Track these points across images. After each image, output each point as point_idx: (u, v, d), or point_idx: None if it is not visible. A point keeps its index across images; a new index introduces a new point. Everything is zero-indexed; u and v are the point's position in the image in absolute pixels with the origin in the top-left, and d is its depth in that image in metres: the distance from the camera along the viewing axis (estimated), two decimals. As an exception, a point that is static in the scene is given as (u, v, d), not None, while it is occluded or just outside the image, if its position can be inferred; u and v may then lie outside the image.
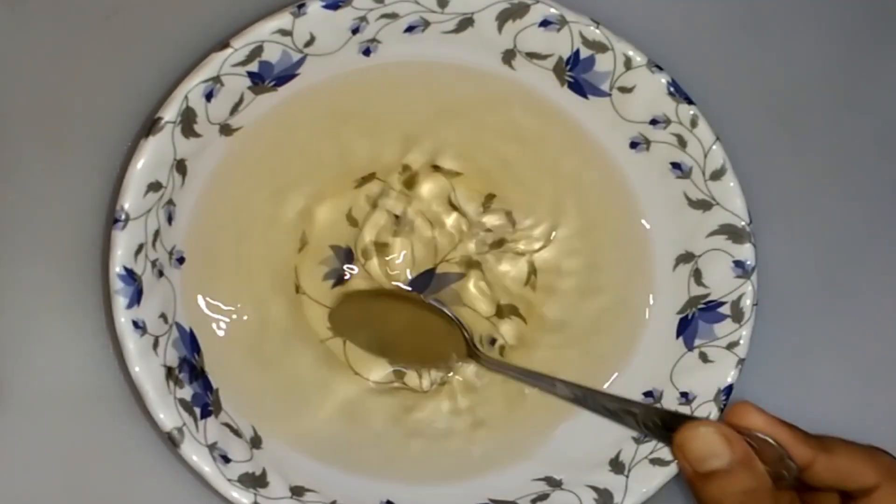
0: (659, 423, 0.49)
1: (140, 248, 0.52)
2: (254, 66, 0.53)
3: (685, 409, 0.55)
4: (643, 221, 0.57)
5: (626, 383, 0.57)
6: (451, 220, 0.57)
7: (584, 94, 0.56)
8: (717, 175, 0.55)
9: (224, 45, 0.52)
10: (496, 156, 0.57)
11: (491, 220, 0.57)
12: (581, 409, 0.53)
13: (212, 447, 0.52)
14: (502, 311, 0.57)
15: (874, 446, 0.50)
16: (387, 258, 0.57)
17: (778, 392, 0.57)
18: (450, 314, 0.55)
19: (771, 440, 0.47)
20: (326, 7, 0.52)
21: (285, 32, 0.52)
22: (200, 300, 0.54)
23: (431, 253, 0.57)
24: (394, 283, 0.57)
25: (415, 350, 0.56)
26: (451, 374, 0.56)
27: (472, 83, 0.56)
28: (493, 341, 0.57)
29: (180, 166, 0.53)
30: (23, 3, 0.54)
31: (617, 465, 0.55)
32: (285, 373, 0.56)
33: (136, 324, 0.51)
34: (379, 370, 0.57)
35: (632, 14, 0.57)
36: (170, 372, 0.52)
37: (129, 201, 0.51)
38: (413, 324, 0.56)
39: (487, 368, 0.55)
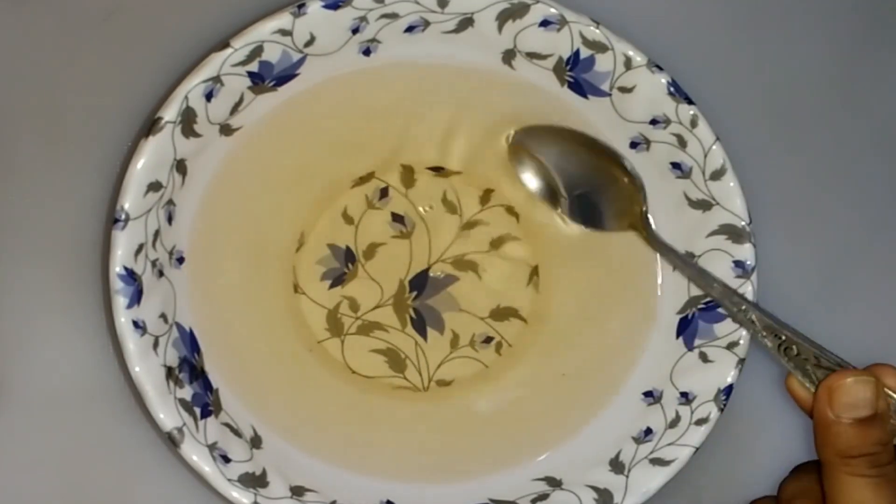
0: (803, 355, 0.52)
1: (140, 247, 0.52)
2: (254, 66, 0.53)
3: (685, 410, 0.55)
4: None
5: (625, 382, 0.57)
6: (449, 219, 0.57)
7: (584, 94, 0.56)
8: (717, 175, 0.55)
9: (224, 44, 0.52)
10: (496, 156, 0.57)
11: (490, 219, 0.57)
12: (582, 411, 0.53)
13: (212, 447, 0.52)
14: (502, 312, 0.57)
15: None
16: (385, 258, 0.57)
17: (778, 392, 0.57)
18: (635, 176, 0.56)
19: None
20: (326, 7, 0.52)
21: (285, 32, 0.52)
22: (200, 300, 0.54)
23: (429, 253, 0.57)
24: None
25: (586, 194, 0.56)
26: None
27: (472, 83, 0.56)
28: (488, 339, 0.57)
29: (180, 166, 0.53)
30: (23, 3, 0.54)
31: (617, 465, 0.55)
32: (285, 373, 0.56)
33: (136, 324, 0.51)
34: (379, 369, 0.57)
35: (632, 14, 0.57)
36: (170, 372, 0.52)
37: (130, 201, 0.51)
38: (596, 169, 0.56)
39: (650, 245, 0.55)
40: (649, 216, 0.56)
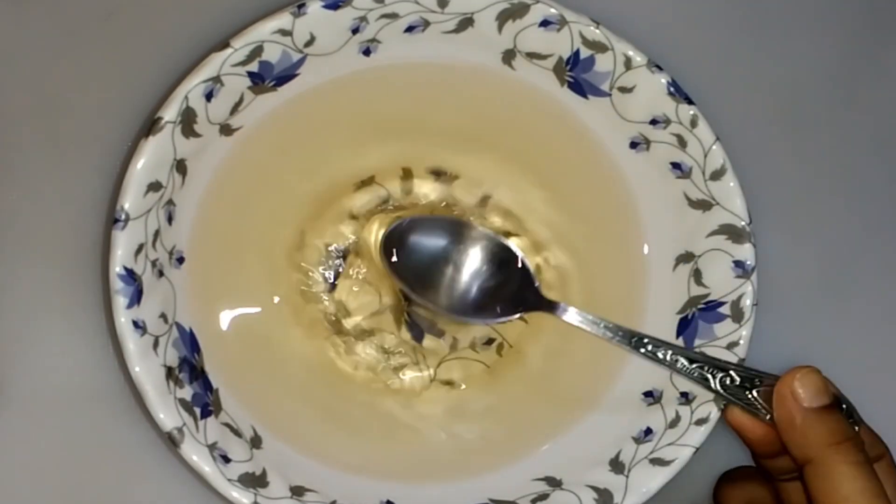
0: (739, 382, 0.51)
1: (140, 248, 0.52)
2: (254, 66, 0.53)
3: (685, 410, 0.55)
4: (643, 221, 0.57)
5: (626, 383, 0.57)
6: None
7: (584, 94, 0.56)
8: (717, 175, 0.55)
9: (224, 44, 0.52)
10: (495, 156, 0.57)
11: (489, 220, 0.57)
12: (582, 411, 0.53)
13: (212, 447, 0.52)
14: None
15: None
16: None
17: (778, 392, 0.57)
18: (519, 256, 0.55)
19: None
20: (326, 7, 0.52)
21: (285, 32, 0.52)
22: (200, 300, 0.54)
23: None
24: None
25: (466, 292, 0.55)
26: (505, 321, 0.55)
27: (471, 83, 0.56)
28: (489, 341, 0.57)
29: (180, 166, 0.53)
30: (23, 3, 0.54)
31: (617, 465, 0.55)
32: (285, 373, 0.56)
33: (136, 324, 0.51)
34: (379, 369, 0.57)
35: (632, 14, 0.57)
36: (170, 372, 0.52)
37: (129, 201, 0.51)
38: (472, 263, 0.55)
39: (562, 320, 0.53)
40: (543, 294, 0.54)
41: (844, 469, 0.48)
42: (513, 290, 0.55)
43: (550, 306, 0.53)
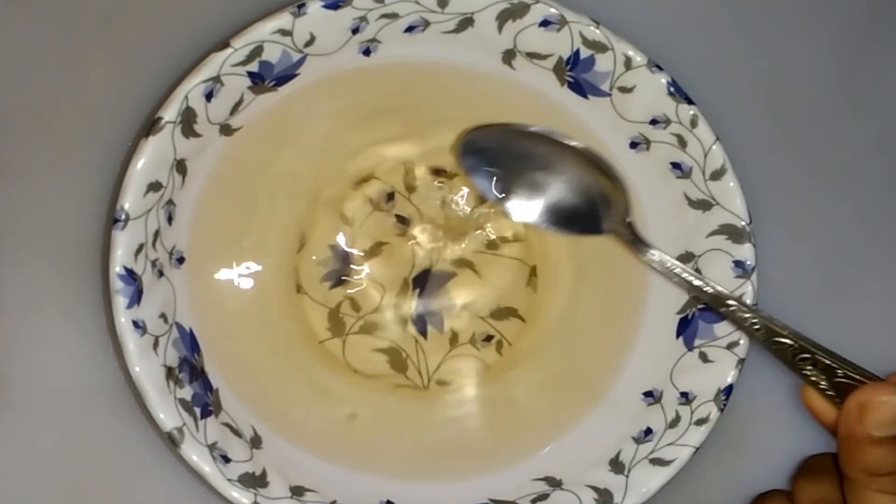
0: (824, 367, 0.50)
1: (140, 247, 0.52)
2: (254, 66, 0.53)
3: (685, 410, 0.55)
4: (643, 221, 0.57)
5: (626, 383, 0.57)
6: (449, 220, 0.57)
7: (584, 94, 0.56)
8: (717, 175, 0.55)
9: (224, 44, 0.52)
10: (496, 156, 0.57)
11: (489, 220, 0.57)
12: (582, 412, 0.53)
13: (212, 447, 0.52)
14: (501, 312, 0.57)
15: None
16: (385, 258, 0.57)
17: (778, 392, 0.57)
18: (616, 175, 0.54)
19: None
20: (326, 7, 0.52)
21: (285, 32, 0.52)
22: (200, 300, 0.54)
23: (429, 253, 0.57)
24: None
25: (556, 202, 0.55)
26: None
27: (471, 84, 0.56)
28: (489, 338, 0.57)
29: (180, 166, 0.53)
30: (23, 3, 0.54)
31: (617, 465, 0.55)
32: (285, 373, 0.56)
33: (136, 324, 0.51)
34: (379, 368, 0.57)
35: (632, 14, 0.57)
36: (170, 372, 0.52)
37: (129, 201, 0.51)
38: (564, 175, 0.55)
39: (634, 252, 0.54)
40: (632, 223, 0.54)
41: (875, 497, 0.48)
42: (602, 210, 0.55)
43: (638, 242, 0.54)
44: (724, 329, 0.55)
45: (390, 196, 0.57)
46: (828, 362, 0.50)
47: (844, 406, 0.49)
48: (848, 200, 0.59)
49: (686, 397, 0.55)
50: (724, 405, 0.55)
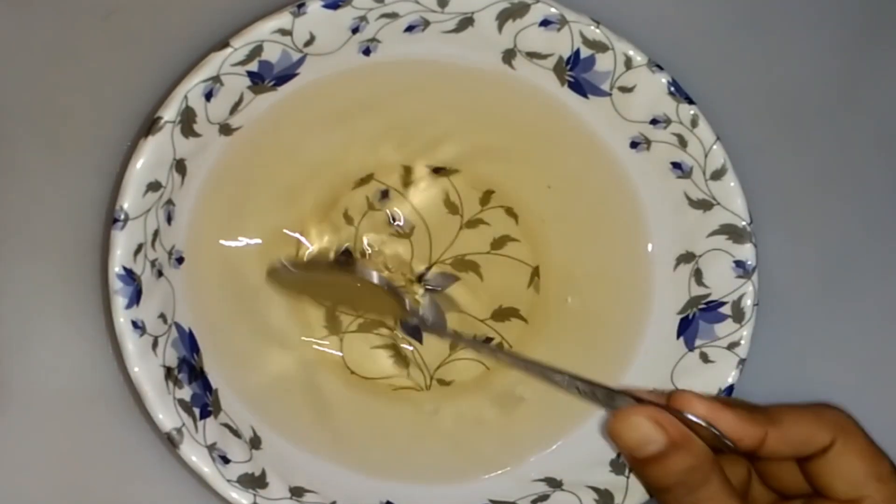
0: (595, 396, 0.49)
1: (139, 248, 0.52)
2: (253, 66, 0.53)
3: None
4: (643, 221, 0.57)
5: (627, 383, 0.56)
6: (449, 220, 0.57)
7: (584, 94, 0.55)
8: (717, 175, 0.55)
9: (224, 44, 0.52)
10: (496, 156, 0.57)
11: (490, 220, 0.57)
12: (584, 413, 0.53)
13: (211, 448, 0.52)
14: (502, 313, 0.57)
15: (820, 403, 0.50)
16: (385, 259, 0.57)
17: (778, 392, 0.56)
18: (381, 284, 0.55)
19: (702, 422, 0.47)
20: (326, 7, 0.52)
21: (285, 32, 0.52)
22: (199, 300, 0.54)
23: (429, 253, 0.57)
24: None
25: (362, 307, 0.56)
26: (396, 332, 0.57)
27: (472, 83, 0.56)
28: (488, 340, 0.57)
29: (180, 166, 0.53)
30: (23, 3, 0.54)
31: (617, 466, 0.55)
32: (285, 373, 0.56)
33: (135, 324, 0.51)
34: (379, 369, 0.57)
35: (632, 14, 0.57)
36: (169, 372, 0.52)
37: (129, 201, 0.51)
38: (355, 289, 0.56)
39: (429, 333, 0.56)
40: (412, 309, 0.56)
41: None
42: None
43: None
44: (724, 329, 0.55)
45: (389, 196, 0.57)
46: (616, 399, 0.49)
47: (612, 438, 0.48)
48: (848, 200, 0.59)
49: (686, 398, 0.55)
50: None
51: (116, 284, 0.51)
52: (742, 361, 0.55)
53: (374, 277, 0.55)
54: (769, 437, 0.48)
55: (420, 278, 0.57)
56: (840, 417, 0.49)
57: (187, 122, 0.52)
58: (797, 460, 0.50)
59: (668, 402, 0.48)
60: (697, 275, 0.56)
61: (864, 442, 0.49)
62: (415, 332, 0.57)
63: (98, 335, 0.54)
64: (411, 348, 0.57)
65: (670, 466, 0.47)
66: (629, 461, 0.49)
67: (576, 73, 0.55)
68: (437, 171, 0.57)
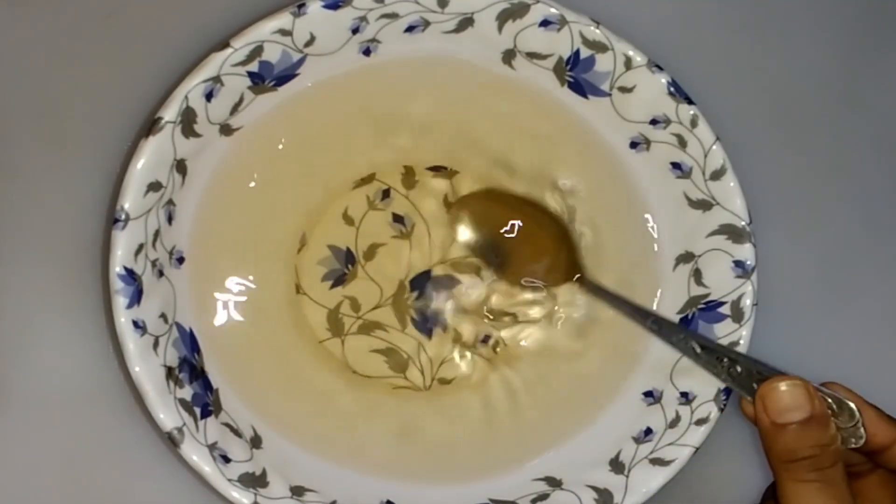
0: (744, 373, 0.51)
1: (140, 248, 0.52)
2: (254, 66, 0.53)
3: (685, 410, 0.55)
4: (643, 221, 0.57)
5: (626, 383, 0.57)
6: (449, 220, 0.57)
7: (584, 94, 0.55)
8: (717, 175, 0.55)
9: (224, 44, 0.52)
10: (496, 156, 0.57)
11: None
12: (583, 413, 0.53)
13: (212, 447, 0.52)
14: (502, 313, 0.57)
15: None
16: (386, 258, 0.57)
17: (778, 392, 0.56)
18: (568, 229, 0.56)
19: (850, 403, 0.50)
20: (326, 7, 0.52)
21: (285, 32, 0.52)
22: (200, 300, 0.54)
23: (430, 254, 0.57)
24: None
25: (522, 257, 0.57)
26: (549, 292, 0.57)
27: (472, 83, 0.56)
28: (486, 339, 0.57)
29: (180, 166, 0.53)
30: (23, 3, 0.54)
31: (617, 465, 0.55)
32: (285, 373, 0.56)
33: (136, 324, 0.51)
34: (379, 369, 0.57)
35: (632, 14, 0.57)
36: (170, 372, 0.52)
37: (130, 201, 0.51)
38: (527, 231, 0.57)
39: (587, 293, 0.56)
40: (584, 267, 0.56)
41: (794, 486, 0.49)
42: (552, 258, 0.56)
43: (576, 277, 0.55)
44: (724, 329, 0.55)
45: (390, 196, 0.57)
46: (751, 366, 0.51)
47: (755, 402, 0.50)
48: (848, 200, 0.59)
49: (686, 397, 0.55)
50: (724, 405, 0.55)
51: (117, 284, 0.51)
52: (742, 361, 0.55)
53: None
54: None
55: (417, 280, 0.57)
56: None
57: (188, 122, 0.52)
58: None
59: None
60: (697, 275, 0.56)
61: None
62: (424, 328, 0.57)
63: (99, 335, 0.54)
64: (412, 346, 0.57)
65: (808, 437, 0.49)
66: (764, 426, 0.50)
67: (576, 74, 0.55)
68: (438, 170, 0.57)
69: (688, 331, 0.53)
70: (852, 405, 0.50)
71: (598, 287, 0.56)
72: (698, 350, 0.52)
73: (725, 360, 0.52)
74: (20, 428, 0.53)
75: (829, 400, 0.50)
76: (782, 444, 0.49)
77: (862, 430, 0.50)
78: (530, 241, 0.57)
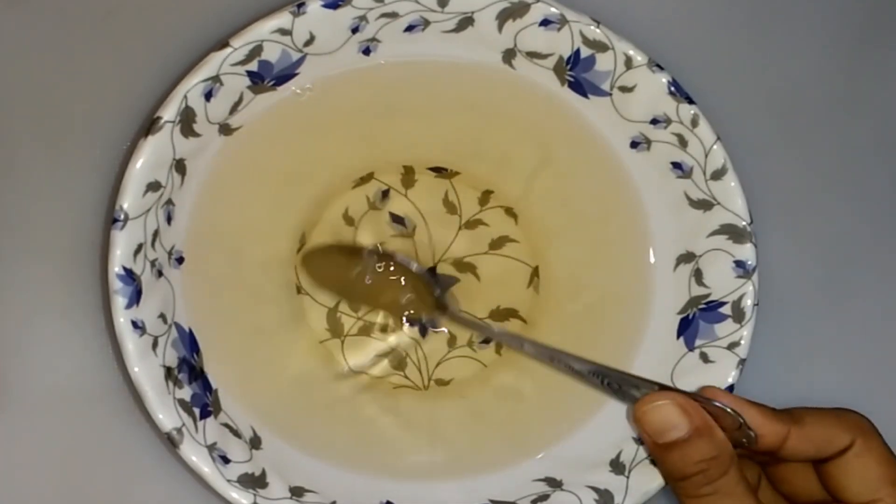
0: (622, 388, 0.51)
1: (139, 247, 0.52)
2: (253, 66, 0.53)
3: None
4: (644, 221, 0.57)
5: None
6: (449, 220, 0.57)
7: (584, 94, 0.55)
8: (717, 175, 0.55)
9: (223, 44, 0.52)
10: (495, 156, 0.57)
11: (489, 220, 0.57)
12: (583, 413, 0.53)
13: (211, 448, 0.52)
14: (502, 313, 0.57)
15: (842, 408, 0.50)
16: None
17: (778, 392, 0.56)
18: (412, 268, 0.56)
19: (728, 409, 0.48)
20: (326, 6, 0.52)
21: (285, 32, 0.52)
22: (199, 300, 0.54)
23: (429, 253, 0.57)
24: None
25: (384, 300, 0.57)
26: (425, 322, 0.57)
27: (472, 83, 0.56)
28: (487, 340, 0.57)
29: (179, 166, 0.52)
30: (23, 3, 0.54)
31: (617, 466, 0.55)
32: (285, 373, 0.56)
33: (135, 324, 0.51)
34: (379, 369, 0.57)
35: (632, 13, 0.57)
36: (169, 372, 0.52)
37: (129, 201, 0.51)
38: (381, 275, 0.56)
39: (454, 322, 0.56)
40: (443, 299, 0.56)
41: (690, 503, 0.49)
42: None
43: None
44: (724, 329, 0.55)
45: (390, 196, 0.57)
46: (628, 381, 0.51)
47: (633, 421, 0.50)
48: (848, 200, 0.59)
49: (687, 398, 0.55)
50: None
51: (116, 284, 0.51)
52: (742, 361, 0.55)
53: (413, 266, 0.56)
54: (792, 435, 0.49)
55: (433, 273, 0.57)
56: (860, 420, 0.50)
57: (187, 121, 0.52)
58: (814, 462, 0.50)
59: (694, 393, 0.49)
60: (697, 275, 0.56)
61: (882, 446, 0.49)
62: (420, 327, 0.57)
63: (98, 335, 0.54)
64: (411, 347, 0.57)
65: (691, 454, 0.48)
66: (650, 447, 0.49)
67: (576, 73, 0.55)
68: (438, 170, 0.57)
69: (555, 350, 0.53)
70: (730, 410, 0.48)
71: (457, 315, 0.56)
72: (577, 368, 0.52)
73: (603, 378, 0.51)
74: (19, 428, 0.53)
75: (711, 408, 0.49)
76: (670, 464, 0.48)
77: (749, 430, 0.49)
78: (384, 281, 0.56)
